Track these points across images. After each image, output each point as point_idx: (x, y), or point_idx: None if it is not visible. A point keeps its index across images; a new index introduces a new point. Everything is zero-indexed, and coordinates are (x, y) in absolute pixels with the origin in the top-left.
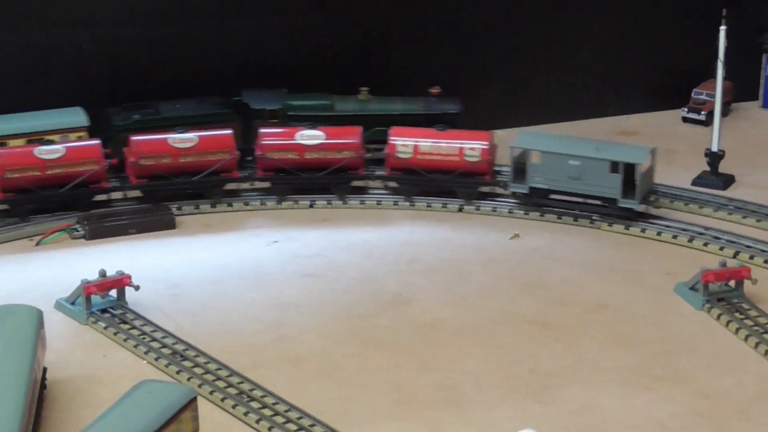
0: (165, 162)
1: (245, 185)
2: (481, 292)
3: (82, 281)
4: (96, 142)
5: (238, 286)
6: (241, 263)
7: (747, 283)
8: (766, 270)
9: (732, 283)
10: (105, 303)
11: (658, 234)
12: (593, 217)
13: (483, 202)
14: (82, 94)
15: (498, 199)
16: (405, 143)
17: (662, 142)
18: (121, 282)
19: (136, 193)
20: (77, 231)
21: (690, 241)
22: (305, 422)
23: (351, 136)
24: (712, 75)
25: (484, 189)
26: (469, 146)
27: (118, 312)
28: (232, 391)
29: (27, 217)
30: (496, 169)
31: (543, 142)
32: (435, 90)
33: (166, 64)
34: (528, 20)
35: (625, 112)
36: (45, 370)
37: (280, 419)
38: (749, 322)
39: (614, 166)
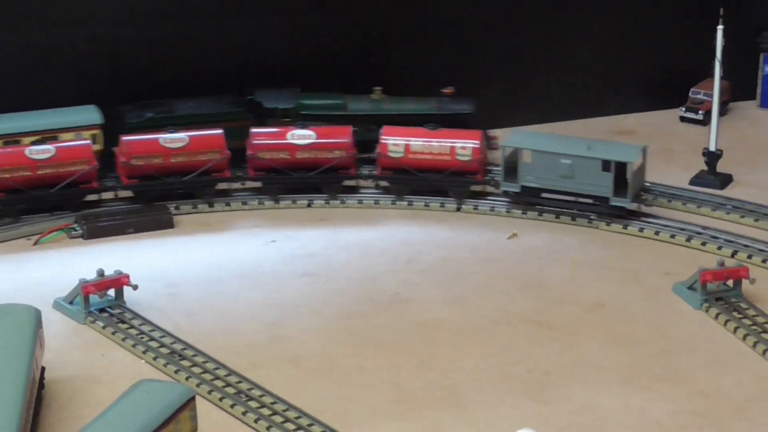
0: (156, 162)
1: (236, 185)
2: (479, 292)
3: (80, 281)
4: (86, 142)
5: (237, 286)
6: (240, 263)
7: (745, 283)
8: (764, 269)
9: (730, 282)
10: (103, 302)
11: (656, 233)
12: (591, 217)
13: (481, 201)
14: (83, 94)
15: (489, 198)
16: (396, 142)
17: (660, 142)
18: (119, 281)
19: (128, 193)
20: (75, 230)
21: (688, 240)
22: (303, 422)
23: (342, 136)
24: (710, 74)
25: (476, 188)
26: (460, 145)
27: (116, 311)
28: (230, 390)
29: (19, 217)
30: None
31: (534, 141)
32: (448, 90)
33: (166, 63)
34: (527, 20)
35: (622, 111)
36: (43, 369)
37: (278, 418)
38: (747, 322)
39: (606, 165)
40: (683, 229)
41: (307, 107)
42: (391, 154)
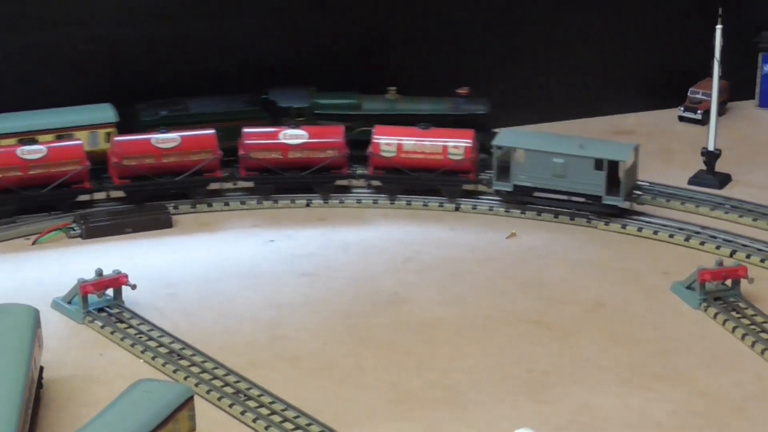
0: (148, 162)
1: (232, 185)
2: (478, 292)
3: (78, 280)
4: (78, 142)
5: (235, 285)
6: (238, 262)
7: (743, 282)
8: (763, 269)
9: (728, 282)
10: (102, 302)
11: (655, 233)
12: (589, 217)
13: (480, 201)
14: (83, 93)
15: (482, 197)
16: (389, 142)
17: (659, 141)
18: (118, 281)
19: (120, 194)
20: (73, 230)
21: (686, 240)
22: (302, 421)
23: (334, 135)
24: (709, 74)
25: (469, 187)
26: (452, 144)
27: (114, 311)
28: (228, 390)
29: (11, 217)
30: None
31: (527, 140)
32: (463, 90)
33: (166, 63)
34: (526, 20)
35: (621, 111)
36: (42, 369)
37: (277, 418)
38: (746, 321)
39: (598, 164)
40: (682, 229)
41: (322, 107)
42: (383, 154)
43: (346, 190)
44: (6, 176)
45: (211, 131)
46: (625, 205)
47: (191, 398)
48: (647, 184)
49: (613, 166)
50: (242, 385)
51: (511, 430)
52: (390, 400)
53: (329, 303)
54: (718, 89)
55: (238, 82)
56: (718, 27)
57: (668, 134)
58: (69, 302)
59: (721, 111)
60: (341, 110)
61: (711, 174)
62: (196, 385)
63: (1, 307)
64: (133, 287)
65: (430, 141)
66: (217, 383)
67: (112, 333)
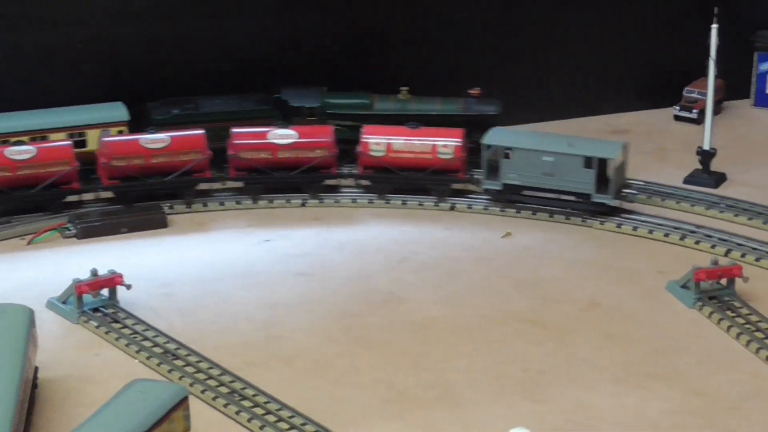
0: (137, 163)
1: (222, 185)
2: (473, 291)
3: (73, 280)
4: (67, 143)
5: (230, 285)
6: (233, 262)
7: (738, 281)
8: (758, 268)
9: (723, 281)
10: (97, 302)
11: (650, 232)
12: (584, 216)
13: (470, 200)
14: (81, 92)
15: (470, 195)
16: (378, 141)
17: (654, 141)
18: (113, 281)
19: (109, 194)
20: (69, 230)
21: (682, 239)
22: (297, 421)
23: (323, 135)
24: (704, 73)
25: (458, 186)
26: (442, 143)
27: (109, 311)
28: (223, 389)
29: (1, 217)
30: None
31: (516, 139)
32: (474, 91)
33: (166, 63)
34: (523, 20)
35: (617, 110)
36: (36, 369)
37: (271, 418)
38: (740, 320)
39: (588, 162)
40: (677, 228)
41: (333, 106)
42: (372, 153)
43: (338, 189)
44: None
45: (201, 131)
46: (615, 203)
47: (186, 398)
48: (642, 183)
49: (603, 164)
50: (237, 385)
51: (506, 430)
52: (385, 400)
53: (324, 302)
54: (714, 88)
55: (249, 81)
56: (714, 26)
57: (664, 133)
58: (64, 302)
59: (717, 110)
60: (353, 110)
61: (706, 173)
62: (191, 385)
63: None
64: (128, 287)
65: (420, 140)
66: (212, 383)
67: (107, 333)
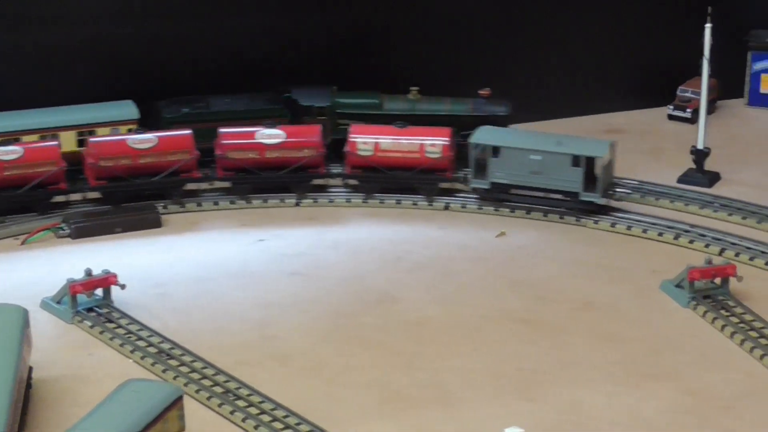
0: (124, 163)
1: (207, 185)
2: (467, 291)
3: (68, 280)
4: (54, 143)
5: (225, 285)
6: (228, 261)
7: (732, 280)
8: (751, 267)
9: (717, 280)
10: (91, 302)
11: (644, 231)
12: (579, 215)
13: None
14: (81, 92)
15: (458, 194)
16: (365, 141)
17: (648, 140)
18: (107, 281)
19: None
20: (63, 230)
21: (676, 238)
22: (291, 420)
23: (311, 135)
24: (698, 73)
25: (446, 185)
26: (429, 143)
27: (104, 311)
28: (218, 389)
29: None
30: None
31: (504, 138)
32: (485, 91)
33: (166, 63)
34: (517, 20)
35: (611, 109)
36: (31, 369)
37: (266, 417)
38: (734, 319)
39: (575, 160)
40: (671, 227)
41: (343, 106)
42: (360, 153)
43: (333, 189)
44: None
45: (188, 132)
46: (602, 201)
47: (180, 398)
48: (637, 182)
49: (590, 162)
50: (232, 385)
51: (501, 429)
52: (380, 399)
53: (319, 302)
54: (708, 88)
55: (254, 80)
56: (708, 26)
57: (658, 133)
58: (58, 302)
59: (711, 109)
60: (362, 110)
61: (700, 172)
62: (186, 384)
63: None
64: (123, 287)
65: (407, 140)
66: (207, 383)
67: (101, 333)
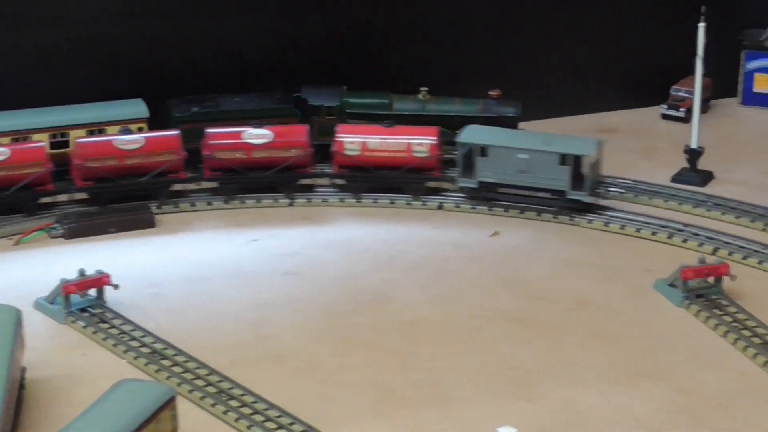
0: (110, 164)
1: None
2: (461, 290)
3: (61, 280)
4: (41, 144)
5: (219, 285)
6: (222, 261)
7: (726, 280)
8: (745, 266)
9: (711, 279)
10: (84, 302)
11: (638, 231)
12: (572, 215)
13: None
14: (83, 92)
15: (446, 193)
16: (353, 140)
17: (642, 139)
18: (100, 281)
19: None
20: (56, 230)
21: (669, 237)
22: (284, 420)
23: (298, 135)
24: (691, 72)
25: (433, 184)
26: (417, 142)
27: (97, 311)
28: (211, 389)
29: None
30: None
31: (491, 136)
32: (495, 92)
33: (166, 62)
34: (507, 18)
35: (604, 109)
36: (24, 369)
37: (259, 417)
38: (728, 319)
39: (563, 159)
40: (664, 227)
41: (352, 105)
42: (347, 152)
43: (325, 189)
44: None
45: (176, 132)
46: (590, 199)
47: (173, 398)
48: (630, 181)
49: (578, 161)
50: (225, 385)
51: (494, 428)
52: (374, 399)
53: (313, 302)
54: (701, 87)
55: (257, 80)
56: (701, 25)
57: (651, 132)
58: (51, 302)
59: (704, 109)
60: (372, 110)
61: (694, 172)
62: (179, 384)
63: None
64: (116, 287)
65: (395, 139)
66: (200, 383)
67: (94, 333)
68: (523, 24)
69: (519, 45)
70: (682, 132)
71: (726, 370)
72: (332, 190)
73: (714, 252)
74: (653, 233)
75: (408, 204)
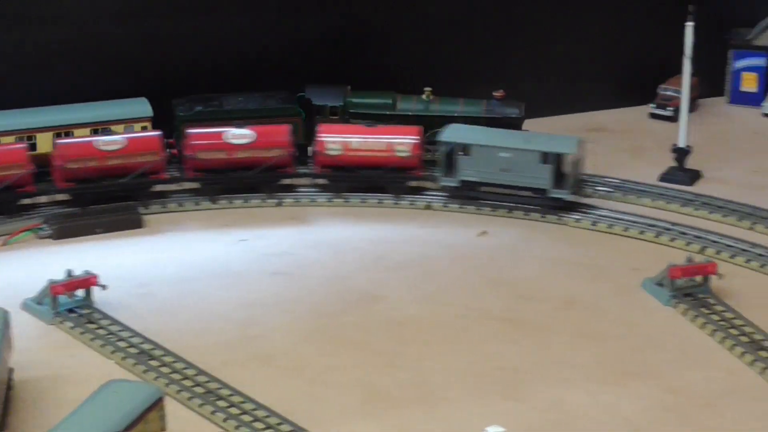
0: (92, 165)
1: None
2: (449, 290)
3: (48, 281)
4: (22, 145)
5: (207, 285)
6: (210, 262)
7: (713, 278)
8: (733, 265)
9: (698, 278)
10: (72, 303)
11: (625, 230)
12: (559, 214)
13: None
14: (84, 92)
15: (427, 192)
16: (334, 140)
17: (630, 138)
18: (88, 282)
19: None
20: (44, 230)
21: (657, 236)
22: (272, 421)
23: (280, 135)
24: (679, 71)
25: (415, 183)
26: (398, 141)
27: (85, 312)
28: (199, 390)
29: None
30: None
31: (472, 135)
32: (498, 93)
33: (166, 62)
34: (497, 18)
35: (592, 108)
36: (11, 370)
37: (247, 418)
38: (715, 317)
39: (544, 157)
40: (652, 226)
41: (356, 105)
42: (328, 152)
43: (311, 189)
44: None
45: (157, 133)
46: (571, 198)
47: (161, 399)
48: (618, 180)
49: (559, 159)
50: (213, 385)
51: (482, 428)
52: (362, 399)
53: (301, 302)
54: (689, 86)
55: (260, 80)
56: (689, 24)
57: (639, 131)
58: (39, 303)
59: (692, 108)
60: (376, 110)
61: (681, 171)
62: (167, 385)
63: None
64: (104, 288)
65: (377, 138)
66: (188, 383)
67: (82, 334)
68: (517, 24)
69: (518, 45)
70: (669, 131)
71: (714, 369)
72: (316, 189)
73: (701, 251)
74: (641, 232)
75: (395, 204)
